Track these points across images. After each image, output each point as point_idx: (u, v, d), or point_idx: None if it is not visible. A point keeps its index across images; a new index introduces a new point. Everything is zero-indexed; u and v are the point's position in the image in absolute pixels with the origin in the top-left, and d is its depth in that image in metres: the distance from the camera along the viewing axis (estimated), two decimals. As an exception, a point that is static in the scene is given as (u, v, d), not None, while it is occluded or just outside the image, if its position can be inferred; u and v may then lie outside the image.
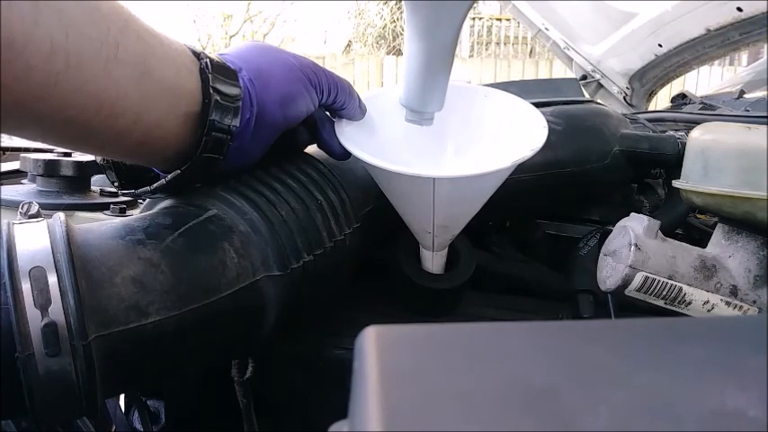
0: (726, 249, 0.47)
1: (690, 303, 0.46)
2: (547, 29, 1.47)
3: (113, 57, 0.33)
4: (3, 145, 0.85)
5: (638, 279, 0.45)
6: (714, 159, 0.45)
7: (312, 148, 0.49)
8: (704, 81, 4.31)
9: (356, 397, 0.17)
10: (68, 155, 0.65)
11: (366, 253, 0.50)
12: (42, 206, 0.37)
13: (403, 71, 0.44)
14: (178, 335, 0.34)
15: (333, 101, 0.45)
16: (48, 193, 0.62)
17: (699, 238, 0.63)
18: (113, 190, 0.63)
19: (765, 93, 1.05)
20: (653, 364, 0.18)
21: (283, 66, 0.42)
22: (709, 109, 0.99)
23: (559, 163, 0.59)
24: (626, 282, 0.45)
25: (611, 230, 0.50)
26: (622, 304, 0.50)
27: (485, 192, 0.44)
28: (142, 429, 0.60)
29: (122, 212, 0.59)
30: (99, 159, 0.44)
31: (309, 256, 0.41)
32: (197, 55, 0.39)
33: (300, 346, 0.51)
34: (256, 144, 0.41)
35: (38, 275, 0.30)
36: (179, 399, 0.59)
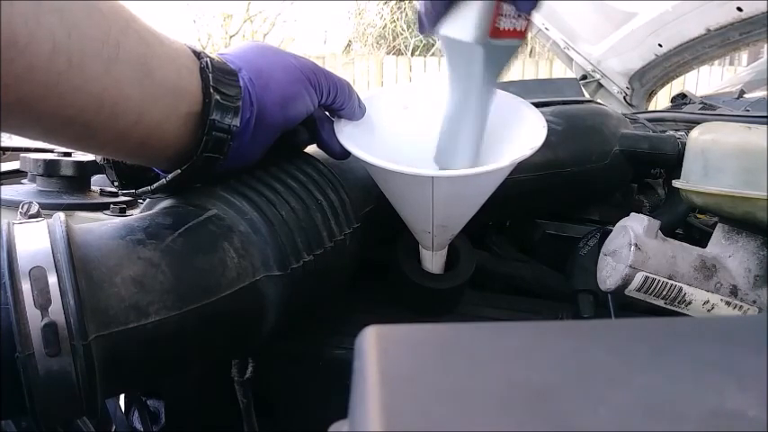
0: (726, 249, 0.47)
1: (690, 303, 0.46)
2: (547, 29, 1.47)
3: (115, 57, 0.33)
4: (3, 145, 0.85)
5: (638, 279, 0.45)
6: (714, 159, 0.45)
7: (312, 148, 0.49)
8: (704, 81, 4.30)
9: (356, 397, 0.17)
10: (68, 155, 0.65)
11: (366, 253, 0.50)
12: (42, 206, 0.37)
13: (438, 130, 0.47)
14: (178, 335, 0.34)
15: (332, 101, 0.45)
16: (48, 193, 0.62)
17: (699, 238, 0.63)
18: (113, 190, 0.62)
19: (765, 93, 1.05)
20: (653, 364, 0.18)
21: (283, 66, 0.42)
22: (710, 109, 0.99)
23: (559, 163, 0.59)
24: (626, 282, 0.45)
25: (611, 230, 0.50)
26: (622, 304, 0.50)
27: (484, 191, 0.44)
28: (142, 429, 0.60)
29: (122, 212, 0.59)
30: (99, 159, 0.44)
31: (309, 256, 0.41)
32: (197, 55, 0.39)
33: (300, 346, 0.51)
34: (256, 144, 0.41)
35: (38, 275, 0.30)
36: (179, 399, 0.59)
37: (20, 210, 0.36)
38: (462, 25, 0.40)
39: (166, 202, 0.42)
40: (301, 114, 0.43)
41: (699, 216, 0.69)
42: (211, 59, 0.39)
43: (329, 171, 0.46)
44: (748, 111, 0.90)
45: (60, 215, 0.34)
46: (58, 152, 0.65)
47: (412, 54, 6.58)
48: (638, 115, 0.97)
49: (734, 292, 0.46)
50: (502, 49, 0.41)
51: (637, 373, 0.17)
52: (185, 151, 0.39)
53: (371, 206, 0.50)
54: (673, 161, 0.61)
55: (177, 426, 0.59)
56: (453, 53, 0.42)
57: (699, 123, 0.50)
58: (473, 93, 0.43)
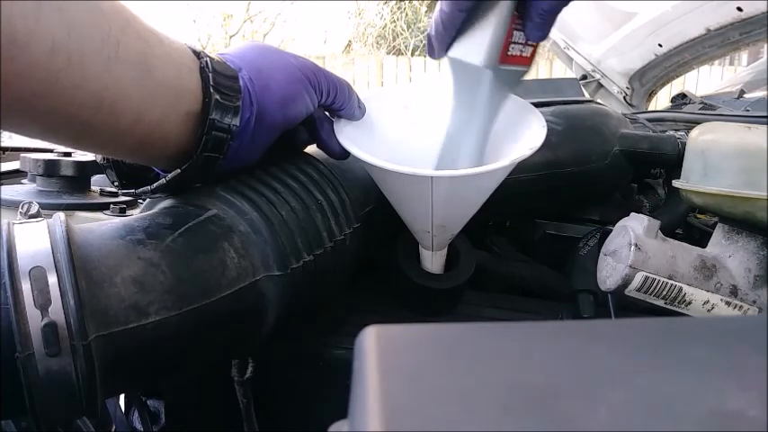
0: (726, 249, 0.47)
1: (690, 303, 0.46)
2: (547, 29, 1.47)
3: (114, 55, 0.33)
4: (3, 145, 0.85)
5: (638, 279, 0.45)
6: (714, 159, 0.45)
7: (312, 148, 0.49)
8: (704, 81, 4.30)
9: (356, 397, 0.17)
10: (68, 155, 0.65)
11: (366, 253, 0.50)
12: (42, 206, 0.37)
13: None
14: (178, 335, 0.34)
15: (332, 101, 0.45)
16: (48, 193, 0.62)
17: (699, 238, 0.63)
18: (113, 190, 0.63)
19: (765, 93, 1.05)
20: (653, 364, 0.18)
21: (283, 66, 0.42)
22: (710, 109, 0.99)
23: (559, 163, 0.59)
24: (626, 282, 0.45)
25: (611, 230, 0.50)
26: (622, 304, 0.50)
27: (483, 191, 0.44)
28: (142, 429, 0.60)
29: (122, 212, 0.59)
30: (99, 158, 0.44)
31: (309, 256, 0.41)
32: (197, 54, 0.39)
33: (300, 346, 0.51)
34: (256, 144, 0.41)
35: (38, 275, 0.30)
36: (179, 399, 0.59)
37: (20, 210, 0.36)
38: (473, 49, 0.41)
39: (166, 202, 0.42)
40: (301, 114, 0.43)
41: (699, 216, 0.69)
42: (211, 59, 0.39)
43: (329, 171, 0.46)
44: (748, 111, 0.90)
45: (60, 215, 0.34)
46: (58, 152, 0.65)
47: (412, 54, 6.58)
48: (638, 115, 0.97)
49: (734, 292, 0.46)
50: (509, 74, 0.43)
51: (637, 373, 0.17)
52: (185, 151, 0.39)
53: (371, 206, 0.50)
54: (673, 161, 0.61)
55: (177, 426, 0.59)
56: (461, 75, 0.43)
57: (699, 123, 0.50)
58: (477, 114, 0.44)
